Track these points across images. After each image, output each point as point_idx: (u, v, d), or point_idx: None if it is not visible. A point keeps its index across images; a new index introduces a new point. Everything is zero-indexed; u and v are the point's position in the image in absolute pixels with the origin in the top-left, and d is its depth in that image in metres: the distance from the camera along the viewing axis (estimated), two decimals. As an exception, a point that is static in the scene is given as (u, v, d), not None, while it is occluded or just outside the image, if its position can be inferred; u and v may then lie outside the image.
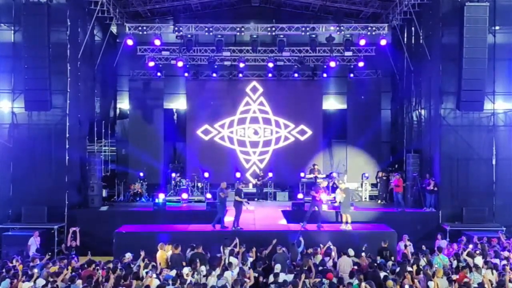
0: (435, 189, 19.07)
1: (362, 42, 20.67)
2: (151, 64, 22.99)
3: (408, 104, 22.83)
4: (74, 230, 16.30)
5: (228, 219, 17.19)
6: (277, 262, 12.97)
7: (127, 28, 20.77)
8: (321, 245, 14.80)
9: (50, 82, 17.87)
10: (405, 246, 15.47)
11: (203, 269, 12.35)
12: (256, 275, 12.51)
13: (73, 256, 14.92)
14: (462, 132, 18.84)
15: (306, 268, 12.65)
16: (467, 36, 17.66)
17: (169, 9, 23.94)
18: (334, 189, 21.12)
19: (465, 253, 14.01)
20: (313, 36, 20.62)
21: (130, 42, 20.82)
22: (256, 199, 22.33)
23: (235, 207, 16.52)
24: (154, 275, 11.90)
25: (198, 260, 12.71)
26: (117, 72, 25.02)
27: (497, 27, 18.70)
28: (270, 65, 22.92)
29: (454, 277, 11.82)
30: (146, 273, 12.07)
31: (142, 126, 24.28)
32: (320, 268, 12.88)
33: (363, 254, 14.14)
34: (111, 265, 12.66)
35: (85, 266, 12.90)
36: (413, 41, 22.26)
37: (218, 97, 24.81)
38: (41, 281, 11.38)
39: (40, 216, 17.91)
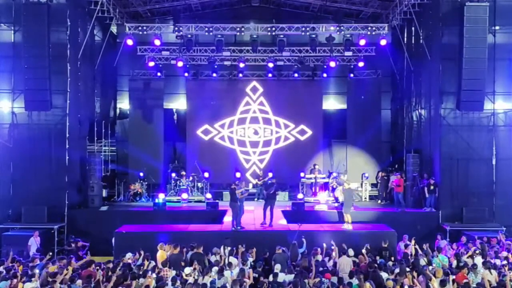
0: (434, 188, 19.09)
1: (362, 42, 20.66)
2: (151, 64, 22.98)
3: (408, 104, 22.83)
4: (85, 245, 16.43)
5: (228, 219, 17.22)
6: (277, 262, 12.98)
7: (127, 28, 20.76)
8: (324, 245, 14.78)
9: (50, 82, 17.90)
10: (406, 246, 15.49)
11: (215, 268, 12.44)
12: (256, 275, 12.51)
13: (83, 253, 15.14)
14: (462, 132, 18.85)
15: (303, 268, 12.69)
16: (467, 36, 17.68)
17: (169, 9, 23.94)
18: (334, 189, 21.24)
19: (467, 255, 14.02)
20: (313, 36, 20.60)
21: (130, 42, 20.80)
22: (256, 199, 22.32)
23: (231, 207, 16.52)
24: (154, 275, 11.92)
25: (196, 261, 12.77)
26: (117, 72, 25.01)
27: (497, 27, 18.70)
28: (270, 65, 22.91)
29: (451, 277, 11.83)
30: (144, 273, 12.09)
31: (142, 126, 24.25)
32: (320, 268, 12.87)
33: (363, 251, 14.18)
34: (111, 265, 12.68)
35: (85, 266, 12.92)
36: (413, 41, 22.25)
37: (218, 97, 24.79)
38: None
39: (40, 216, 17.92)
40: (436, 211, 18.96)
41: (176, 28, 20.60)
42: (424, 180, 19.55)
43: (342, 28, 20.61)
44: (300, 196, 21.92)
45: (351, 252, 14.08)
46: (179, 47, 21.86)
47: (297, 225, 16.57)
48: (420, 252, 14.57)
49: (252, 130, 24.80)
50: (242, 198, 16.56)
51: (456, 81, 18.30)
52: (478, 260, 13.46)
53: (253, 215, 18.73)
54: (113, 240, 16.39)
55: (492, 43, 18.42)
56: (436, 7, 19.26)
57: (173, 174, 22.83)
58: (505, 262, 13.62)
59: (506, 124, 19.08)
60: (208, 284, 11.29)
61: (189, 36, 20.56)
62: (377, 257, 14.18)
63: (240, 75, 24.37)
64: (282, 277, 12.05)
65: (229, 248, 13.91)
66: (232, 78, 24.74)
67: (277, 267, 12.58)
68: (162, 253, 13.96)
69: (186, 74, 24.35)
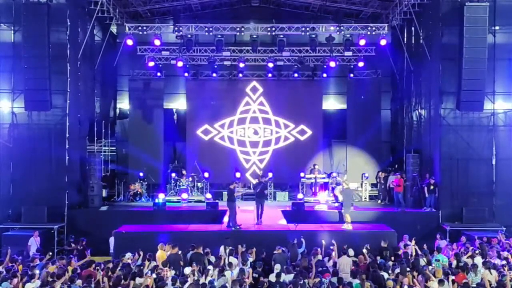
0: (435, 188, 19.09)
1: (362, 42, 20.64)
2: (151, 64, 22.96)
3: (408, 104, 22.83)
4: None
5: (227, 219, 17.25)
6: (277, 262, 12.98)
7: (127, 28, 20.76)
8: (323, 241, 14.78)
9: (50, 82, 17.91)
10: (405, 246, 15.49)
11: (211, 268, 12.44)
12: (256, 275, 12.51)
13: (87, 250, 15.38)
14: (462, 132, 18.86)
15: (303, 268, 12.69)
16: (467, 36, 17.68)
17: (169, 9, 23.94)
18: (334, 189, 21.23)
19: (466, 255, 14.01)
20: (313, 36, 20.60)
21: (130, 42, 20.79)
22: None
23: (229, 207, 16.59)
24: (154, 275, 11.92)
25: (195, 261, 12.79)
26: (117, 72, 25.01)
27: (497, 27, 18.70)
28: (270, 65, 22.89)
29: (451, 278, 11.83)
30: (144, 273, 12.09)
31: (142, 126, 24.24)
32: (320, 268, 12.88)
33: (364, 251, 14.18)
34: (111, 265, 12.68)
35: (85, 266, 12.92)
36: (413, 41, 22.25)
37: (218, 97, 24.77)
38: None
39: (40, 216, 17.93)
40: (436, 211, 18.96)
41: (176, 28, 20.60)
42: (426, 180, 19.54)
43: (342, 28, 20.60)
44: (300, 196, 21.94)
45: (351, 252, 14.08)
46: (179, 47, 21.85)
47: (293, 225, 16.63)
48: (420, 252, 14.58)
49: (252, 130, 24.77)
50: (235, 198, 16.71)
51: (456, 81, 18.31)
52: (478, 260, 13.46)
53: (253, 215, 18.75)
54: (109, 240, 16.43)
55: (492, 43, 18.43)
56: (436, 7, 19.26)
57: (173, 174, 22.84)
58: (504, 262, 13.62)
59: (506, 124, 19.09)
60: (208, 284, 11.29)
61: (189, 36, 20.55)
62: (378, 257, 14.19)
63: (240, 75, 24.35)
64: (282, 277, 12.04)
65: (229, 248, 13.91)
66: (232, 78, 24.73)
67: (277, 267, 12.58)
68: (162, 253, 13.95)
69: (186, 74, 24.33)
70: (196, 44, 21.83)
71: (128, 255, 13.85)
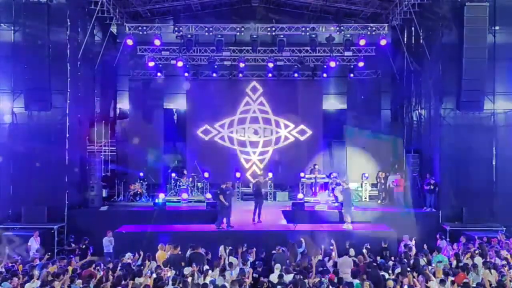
0: (435, 188, 19.08)
1: (362, 42, 20.65)
2: (151, 64, 22.95)
3: (408, 104, 22.82)
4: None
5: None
6: (277, 262, 12.98)
7: (127, 28, 20.76)
8: (323, 247, 14.78)
9: (50, 82, 17.90)
10: (405, 246, 15.51)
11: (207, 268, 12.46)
12: (256, 275, 12.51)
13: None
14: (462, 132, 18.84)
15: (303, 268, 12.70)
16: (467, 36, 17.68)
17: (169, 9, 23.95)
18: (334, 189, 21.25)
19: (466, 256, 14.01)
20: (313, 36, 20.61)
21: (130, 42, 20.81)
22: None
23: (221, 207, 16.67)
24: (155, 275, 11.92)
25: (194, 261, 12.80)
26: (117, 72, 24.97)
27: (497, 27, 18.71)
28: (270, 65, 22.89)
29: (450, 278, 11.83)
30: (144, 273, 12.09)
31: (142, 126, 24.25)
32: (320, 268, 12.88)
33: (364, 251, 14.19)
34: (111, 265, 12.69)
35: (85, 266, 12.93)
36: (413, 41, 22.24)
37: (218, 97, 24.75)
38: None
39: (40, 216, 17.91)
40: (436, 211, 18.95)
41: (176, 28, 20.62)
42: (426, 180, 19.53)
43: (342, 28, 20.61)
44: (300, 196, 21.92)
45: (352, 252, 14.08)
46: (179, 47, 21.84)
47: (293, 225, 16.64)
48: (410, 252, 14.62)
49: (252, 130, 24.78)
50: (228, 198, 16.84)
51: (456, 81, 18.30)
52: (478, 260, 13.46)
53: (253, 215, 18.73)
54: (103, 240, 16.41)
55: (492, 43, 18.43)
56: (436, 7, 19.25)
57: (173, 174, 22.84)
58: (504, 262, 13.62)
59: (506, 124, 19.09)
60: (209, 284, 11.28)
61: (189, 36, 20.55)
62: (378, 257, 14.19)
63: (240, 75, 24.35)
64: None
65: (229, 248, 13.92)
66: (232, 78, 24.73)
67: (277, 267, 12.58)
68: (162, 253, 13.97)
69: (186, 74, 24.33)
70: (196, 44, 21.81)
71: (128, 255, 13.86)
